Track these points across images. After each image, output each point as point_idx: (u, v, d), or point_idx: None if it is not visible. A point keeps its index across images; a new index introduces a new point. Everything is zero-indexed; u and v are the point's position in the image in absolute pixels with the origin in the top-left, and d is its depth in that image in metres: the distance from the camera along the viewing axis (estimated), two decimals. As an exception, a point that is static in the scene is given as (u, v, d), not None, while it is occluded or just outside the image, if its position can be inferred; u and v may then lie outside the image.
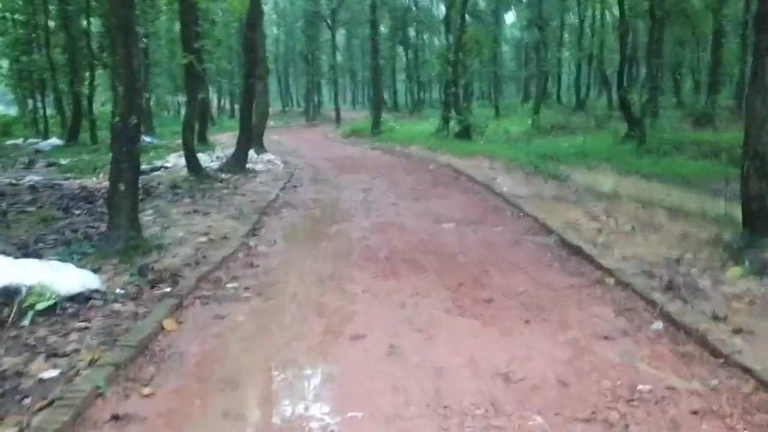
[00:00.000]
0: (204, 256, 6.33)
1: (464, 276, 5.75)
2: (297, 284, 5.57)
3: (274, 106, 65.77)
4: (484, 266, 6.09)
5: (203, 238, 7.13)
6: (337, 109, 36.27)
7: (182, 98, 41.92)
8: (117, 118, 6.13)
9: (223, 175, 12.29)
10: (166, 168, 13.28)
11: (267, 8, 62.15)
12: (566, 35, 44.36)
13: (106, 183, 12.11)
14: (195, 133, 11.44)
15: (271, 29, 61.42)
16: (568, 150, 17.98)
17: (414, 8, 50.97)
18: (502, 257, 6.45)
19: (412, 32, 51.31)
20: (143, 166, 14.10)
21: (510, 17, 54.49)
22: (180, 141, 25.87)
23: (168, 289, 5.22)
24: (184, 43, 10.84)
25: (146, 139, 25.66)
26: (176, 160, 14.68)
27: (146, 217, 8.44)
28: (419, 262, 6.24)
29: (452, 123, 23.28)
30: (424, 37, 57.04)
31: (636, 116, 19.96)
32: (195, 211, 8.80)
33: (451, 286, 5.45)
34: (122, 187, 6.15)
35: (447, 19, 23.01)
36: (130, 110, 6.10)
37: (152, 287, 5.31)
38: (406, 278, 5.72)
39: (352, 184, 12.33)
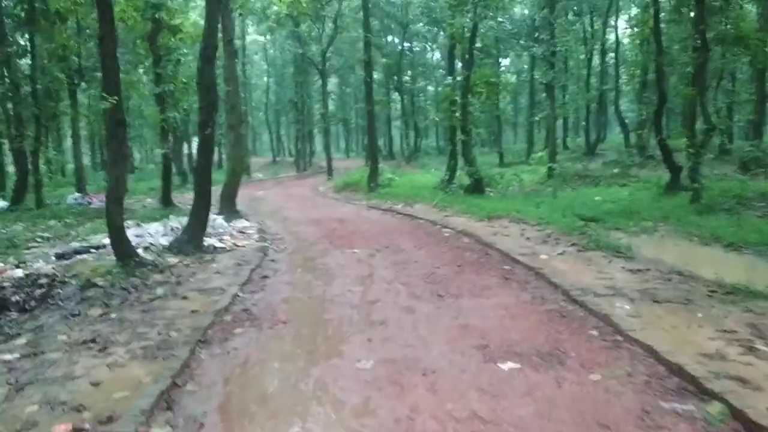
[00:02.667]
0: (30, 501, 2.99)
1: None
2: None
3: (266, 157, 63.59)
4: None
5: (62, 426, 3.79)
6: (329, 160, 33.34)
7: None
8: None
9: (170, 259, 9.02)
10: (99, 249, 9.98)
11: (257, 57, 60.82)
12: (569, 77, 42.18)
13: (12, 273, 8.86)
14: (122, 205, 8.18)
15: (262, 78, 59.72)
16: (606, 206, 14.87)
17: (409, 53, 49.01)
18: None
19: (406, 78, 49.12)
20: (71, 245, 10.88)
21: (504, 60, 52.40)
22: (149, 200, 22.75)
23: None
24: (107, 82, 7.69)
25: (109, 198, 22.56)
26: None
27: (6, 356, 5.12)
28: None
29: (459, 174, 20.27)
30: (420, 83, 55.05)
31: (678, 164, 16.98)
32: (93, 341, 5.47)
33: None
34: None
35: (450, 57, 20.27)
36: None
37: None
38: None
39: (345, 266, 9.06)
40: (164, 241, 10.45)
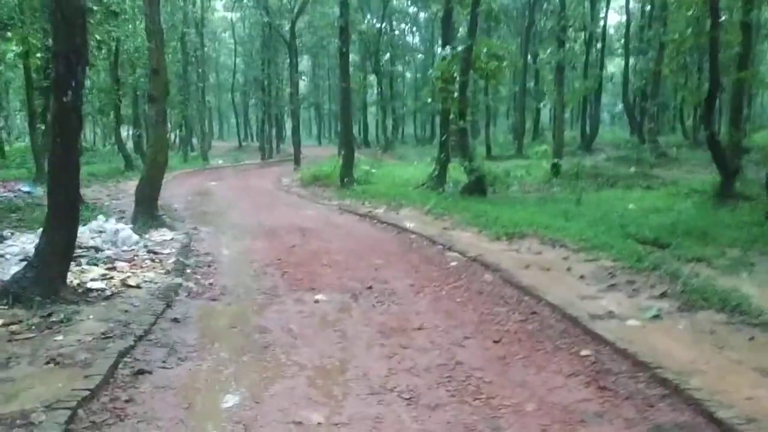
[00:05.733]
0: None
1: None
2: None
3: (232, 141, 59.02)
4: None
5: None
6: (297, 147, 29.21)
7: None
8: None
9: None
10: None
11: (225, 35, 56.30)
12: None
13: None
14: None
15: (230, 58, 55.42)
16: (651, 219, 11.33)
17: (388, 32, 45.15)
18: None
19: (384, 59, 45.16)
20: None
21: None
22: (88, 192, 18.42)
23: None
24: None
25: (23, 189, 18.41)
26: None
27: None
28: None
29: (452, 170, 16.56)
30: (398, 66, 51.18)
31: (731, 166, 13.58)
32: None
33: None
34: None
35: (446, 25, 16.43)
36: None
37: None
38: None
39: (299, 338, 5.24)
40: (12, 267, 6.47)
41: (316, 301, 6.33)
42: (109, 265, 7.31)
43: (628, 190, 17.05)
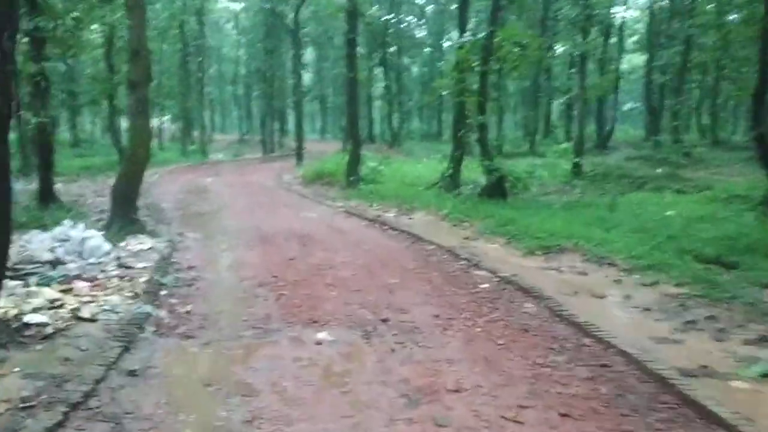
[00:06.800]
0: None
1: None
2: None
3: (233, 134, 57.67)
4: None
5: None
6: (300, 142, 27.76)
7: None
8: None
9: None
10: None
11: (228, 26, 55.07)
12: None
13: None
14: None
15: (234, 50, 54.29)
16: (699, 230, 9.93)
17: (395, 24, 43.68)
18: None
19: (392, 50, 43.69)
20: None
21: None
22: (59, 185, 17.05)
23: None
24: None
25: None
26: None
27: None
28: None
29: (466, 168, 15.20)
30: (404, 59, 49.74)
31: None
32: None
33: None
34: None
35: (462, 11, 14.97)
36: None
37: None
38: None
39: (293, 407, 3.89)
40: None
41: (318, 342, 4.96)
42: (66, 286, 5.95)
43: (659, 193, 15.63)
